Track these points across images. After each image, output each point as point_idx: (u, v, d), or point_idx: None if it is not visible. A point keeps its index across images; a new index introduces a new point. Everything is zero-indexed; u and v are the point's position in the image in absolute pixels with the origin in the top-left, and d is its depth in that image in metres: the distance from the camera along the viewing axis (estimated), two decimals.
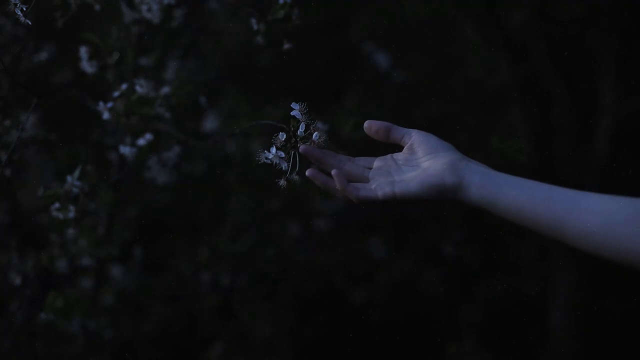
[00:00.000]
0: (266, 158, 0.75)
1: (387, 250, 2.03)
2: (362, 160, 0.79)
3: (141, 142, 1.07)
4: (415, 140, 0.76)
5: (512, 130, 1.96)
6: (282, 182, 0.75)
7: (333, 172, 0.73)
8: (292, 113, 0.75)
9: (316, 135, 0.75)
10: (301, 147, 0.75)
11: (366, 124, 0.78)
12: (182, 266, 1.77)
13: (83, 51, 1.10)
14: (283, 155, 0.75)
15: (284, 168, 0.75)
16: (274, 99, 1.81)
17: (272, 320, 1.80)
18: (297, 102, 0.76)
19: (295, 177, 0.76)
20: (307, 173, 0.74)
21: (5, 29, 1.19)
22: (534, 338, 1.95)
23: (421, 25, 2.21)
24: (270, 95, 2.05)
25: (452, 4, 1.93)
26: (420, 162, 0.75)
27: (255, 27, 1.01)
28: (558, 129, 1.90)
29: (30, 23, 0.85)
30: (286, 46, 1.02)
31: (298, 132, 0.75)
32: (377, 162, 0.78)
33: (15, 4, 0.83)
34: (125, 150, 1.08)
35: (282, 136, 0.75)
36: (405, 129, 0.78)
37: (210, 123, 1.64)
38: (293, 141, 0.75)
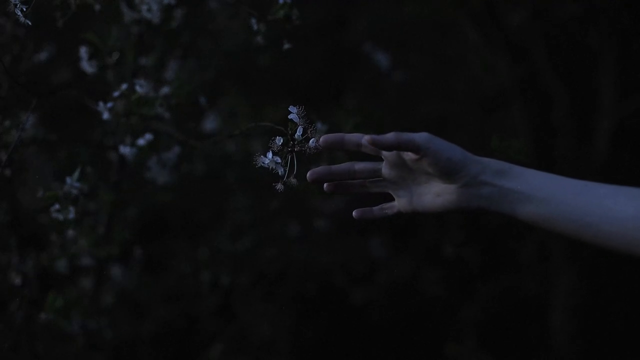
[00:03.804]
0: (262, 163, 0.74)
1: (387, 250, 2.03)
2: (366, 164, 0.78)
3: (141, 142, 1.07)
4: (429, 154, 0.70)
5: (512, 130, 1.96)
6: (279, 187, 0.75)
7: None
8: (290, 116, 0.75)
9: (313, 141, 0.74)
10: (309, 175, 0.75)
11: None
12: (182, 266, 1.77)
13: (83, 51, 1.10)
14: (279, 160, 0.75)
15: (280, 173, 0.75)
16: (274, 99, 1.81)
17: (272, 320, 1.80)
18: (295, 105, 0.75)
19: (293, 180, 0.75)
20: (354, 215, 0.78)
21: (5, 29, 1.19)
22: (534, 339, 1.96)
23: (421, 25, 2.21)
24: (270, 95, 2.05)
25: (452, 4, 1.93)
26: (433, 179, 0.74)
27: (255, 27, 1.01)
28: (558, 129, 1.90)
29: (30, 23, 0.84)
30: (286, 46, 1.02)
31: (295, 135, 0.75)
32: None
33: (15, 4, 0.83)
34: (125, 150, 1.08)
35: (279, 141, 0.74)
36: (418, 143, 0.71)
37: (210, 123, 1.64)
38: (291, 145, 0.75)
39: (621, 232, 0.67)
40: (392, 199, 0.78)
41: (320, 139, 0.74)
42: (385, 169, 0.76)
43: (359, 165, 0.77)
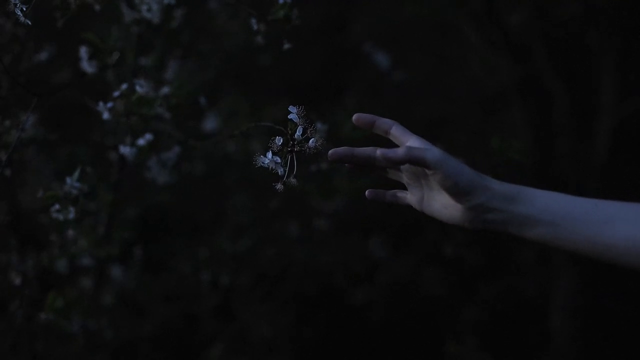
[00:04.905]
0: (262, 163, 0.74)
1: (387, 250, 2.03)
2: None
3: (141, 142, 1.07)
4: (438, 174, 0.70)
5: (512, 130, 1.96)
6: (279, 186, 0.75)
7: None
8: (290, 116, 0.75)
9: (313, 141, 0.74)
10: (330, 154, 0.75)
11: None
12: (182, 266, 1.77)
13: (83, 51, 1.09)
14: (279, 160, 0.74)
15: (280, 173, 0.75)
16: (274, 99, 1.81)
17: (272, 320, 1.80)
18: (294, 105, 0.75)
19: (293, 180, 0.75)
20: (367, 194, 0.78)
21: (5, 29, 1.19)
22: (535, 339, 1.95)
23: (421, 25, 2.21)
24: (270, 95, 2.05)
25: (452, 4, 1.93)
26: (442, 192, 0.74)
27: (255, 27, 1.01)
28: (558, 129, 1.90)
29: (30, 23, 0.84)
30: (286, 46, 1.02)
31: (295, 135, 0.75)
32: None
33: (15, 4, 0.83)
34: (125, 150, 1.08)
35: (279, 140, 0.74)
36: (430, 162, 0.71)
37: (210, 123, 1.64)
38: (290, 145, 0.75)
39: (632, 249, 0.67)
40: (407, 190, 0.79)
41: (329, 153, 0.74)
42: (404, 165, 0.76)
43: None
